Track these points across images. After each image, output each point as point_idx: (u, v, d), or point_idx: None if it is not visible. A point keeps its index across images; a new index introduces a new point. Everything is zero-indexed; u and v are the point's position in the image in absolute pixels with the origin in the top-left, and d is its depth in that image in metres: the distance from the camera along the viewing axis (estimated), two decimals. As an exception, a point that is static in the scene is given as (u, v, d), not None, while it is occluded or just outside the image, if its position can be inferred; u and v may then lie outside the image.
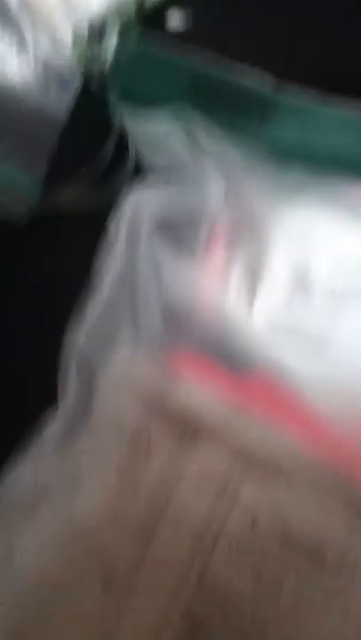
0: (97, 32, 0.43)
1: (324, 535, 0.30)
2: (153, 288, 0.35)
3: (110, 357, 0.35)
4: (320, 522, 0.30)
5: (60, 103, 0.44)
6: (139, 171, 0.43)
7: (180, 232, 0.37)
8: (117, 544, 0.32)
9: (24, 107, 0.44)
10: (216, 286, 0.36)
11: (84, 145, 0.45)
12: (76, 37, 0.43)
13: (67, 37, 0.43)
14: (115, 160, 0.44)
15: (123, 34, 0.42)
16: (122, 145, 0.43)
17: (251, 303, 0.36)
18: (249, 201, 0.37)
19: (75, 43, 0.43)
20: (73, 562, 0.32)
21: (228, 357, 0.33)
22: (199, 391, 0.33)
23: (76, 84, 0.44)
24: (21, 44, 0.43)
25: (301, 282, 0.36)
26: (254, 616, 0.30)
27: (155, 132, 0.39)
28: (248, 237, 0.37)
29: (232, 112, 0.39)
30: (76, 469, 0.34)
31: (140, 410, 0.33)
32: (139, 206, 0.38)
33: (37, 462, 0.36)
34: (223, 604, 0.31)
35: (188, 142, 0.39)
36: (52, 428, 0.36)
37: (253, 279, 0.36)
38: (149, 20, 0.44)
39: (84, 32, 0.43)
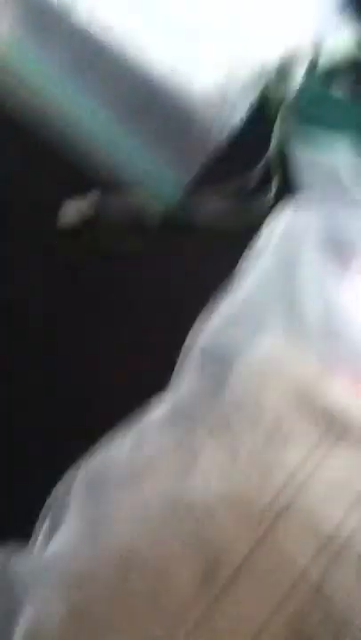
0: (284, 68, 0.46)
1: None
2: (314, 292, 0.35)
3: (252, 343, 0.34)
4: None
5: (228, 120, 0.46)
6: (281, 197, 0.43)
7: (343, 251, 0.37)
8: (230, 532, 0.29)
9: (196, 112, 0.45)
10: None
11: (238, 165, 0.46)
12: (264, 69, 0.46)
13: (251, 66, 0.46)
14: (261, 184, 0.45)
15: (308, 73, 0.45)
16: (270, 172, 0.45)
17: None
18: None
19: (262, 73, 0.46)
20: (175, 541, 0.30)
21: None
22: (351, 395, 0.32)
23: (248, 107, 0.46)
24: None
25: None
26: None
27: (327, 161, 0.41)
28: None
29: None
30: (193, 446, 0.32)
31: (287, 397, 0.31)
32: (297, 222, 0.39)
33: (142, 437, 0.33)
34: (339, 623, 0.27)
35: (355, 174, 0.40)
36: (162, 407, 0.35)
37: None
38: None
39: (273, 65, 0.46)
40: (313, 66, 0.46)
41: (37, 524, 0.33)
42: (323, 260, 0.37)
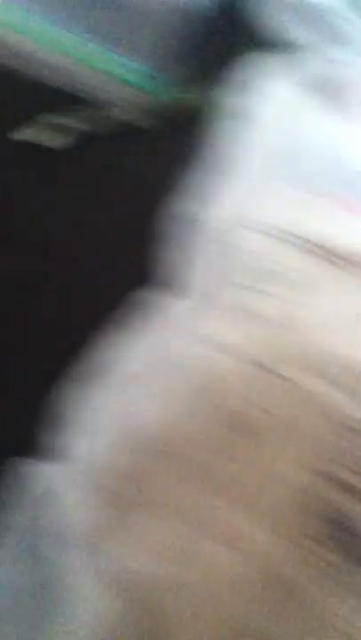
0: None
1: None
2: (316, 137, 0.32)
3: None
4: None
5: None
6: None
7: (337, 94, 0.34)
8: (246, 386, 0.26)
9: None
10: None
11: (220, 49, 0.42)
12: None
13: None
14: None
15: None
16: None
17: None
18: None
19: None
20: (199, 412, 0.27)
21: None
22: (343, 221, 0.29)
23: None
24: None
25: None
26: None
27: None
28: None
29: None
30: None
31: (303, 251, 0.28)
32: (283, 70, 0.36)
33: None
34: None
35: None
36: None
37: None
38: None
39: None
40: None
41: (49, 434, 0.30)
42: (322, 103, 0.34)
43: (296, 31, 0.38)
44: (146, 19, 0.42)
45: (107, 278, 0.38)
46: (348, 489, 0.24)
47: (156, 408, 0.27)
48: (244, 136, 0.35)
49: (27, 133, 0.41)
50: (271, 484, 0.25)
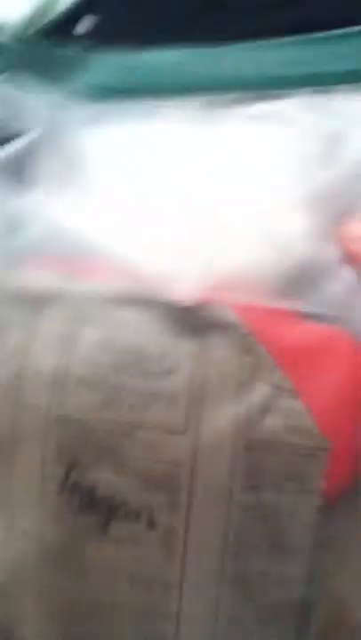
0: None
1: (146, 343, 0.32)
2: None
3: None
4: (143, 335, 0.32)
5: None
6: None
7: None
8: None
9: None
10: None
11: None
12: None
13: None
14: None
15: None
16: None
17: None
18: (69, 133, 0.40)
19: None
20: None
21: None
22: (39, 275, 0.34)
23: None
24: None
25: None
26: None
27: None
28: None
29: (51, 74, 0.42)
30: None
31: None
32: None
33: None
34: (85, 432, 0.31)
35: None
36: None
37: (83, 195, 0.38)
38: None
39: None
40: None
41: None
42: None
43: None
44: None
45: None
46: (81, 467, 0.31)
47: None
48: None
49: None
50: (29, 479, 0.31)
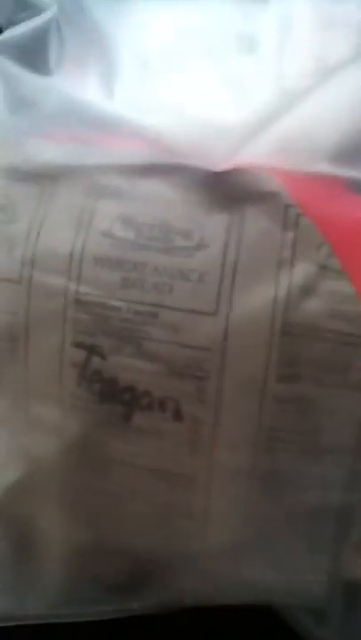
0: None
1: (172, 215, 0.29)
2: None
3: None
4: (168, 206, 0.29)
5: None
6: None
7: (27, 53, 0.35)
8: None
9: None
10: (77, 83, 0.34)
11: None
12: None
13: None
14: None
15: None
16: None
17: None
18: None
19: None
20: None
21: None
22: (52, 147, 0.31)
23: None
24: None
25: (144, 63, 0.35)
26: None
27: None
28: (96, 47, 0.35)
29: None
30: None
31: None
32: None
33: None
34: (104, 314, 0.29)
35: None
36: None
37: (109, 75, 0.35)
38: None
39: None
40: None
41: None
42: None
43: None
44: None
45: None
46: (102, 352, 0.28)
47: None
48: None
49: None
50: (46, 368, 0.29)
